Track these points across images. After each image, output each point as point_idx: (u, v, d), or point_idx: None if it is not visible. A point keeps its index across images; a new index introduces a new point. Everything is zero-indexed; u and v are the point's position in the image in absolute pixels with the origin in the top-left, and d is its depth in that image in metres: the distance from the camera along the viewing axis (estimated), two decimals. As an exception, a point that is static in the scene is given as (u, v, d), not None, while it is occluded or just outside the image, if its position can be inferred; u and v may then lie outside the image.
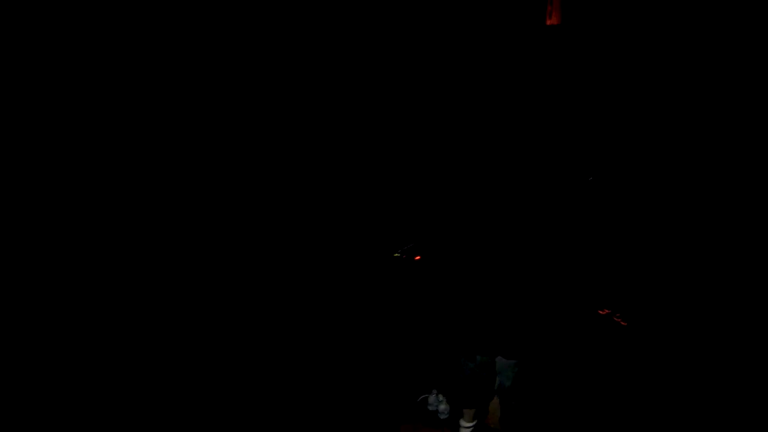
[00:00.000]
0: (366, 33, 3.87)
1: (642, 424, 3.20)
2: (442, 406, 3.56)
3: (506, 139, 3.58)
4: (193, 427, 3.21)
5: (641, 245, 3.40)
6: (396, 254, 3.85)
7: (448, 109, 3.78)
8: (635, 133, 3.24)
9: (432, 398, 3.60)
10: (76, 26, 2.71)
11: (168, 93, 3.23)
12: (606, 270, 3.49)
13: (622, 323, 3.37)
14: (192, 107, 3.41)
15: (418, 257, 3.87)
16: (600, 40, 3.17)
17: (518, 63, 3.34)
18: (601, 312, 3.46)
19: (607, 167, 3.37)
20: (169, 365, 3.42)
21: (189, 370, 3.45)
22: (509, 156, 3.68)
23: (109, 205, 3.13)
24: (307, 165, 4.12)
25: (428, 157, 4.18)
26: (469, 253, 3.95)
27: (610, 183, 3.37)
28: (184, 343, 3.51)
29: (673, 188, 3.23)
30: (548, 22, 3.21)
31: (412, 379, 3.71)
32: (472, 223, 3.99)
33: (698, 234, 3.25)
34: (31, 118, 2.77)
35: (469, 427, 3.34)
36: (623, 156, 3.31)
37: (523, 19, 3.27)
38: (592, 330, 3.54)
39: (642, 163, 3.27)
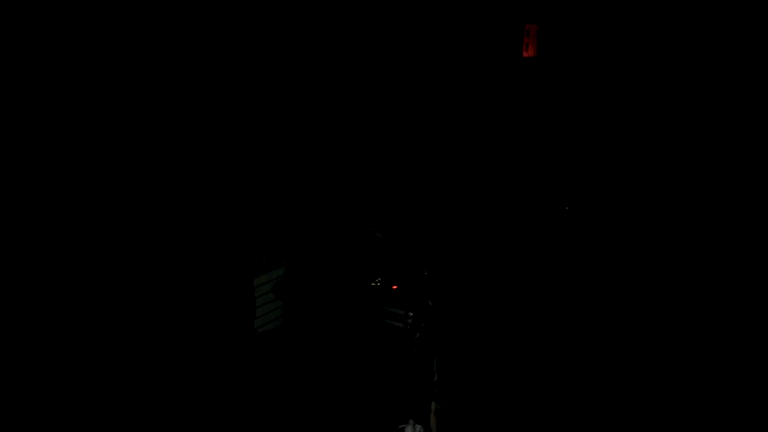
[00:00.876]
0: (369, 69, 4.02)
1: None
2: (420, 437, 3.47)
3: (486, 164, 3.70)
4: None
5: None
6: (374, 282, 3.84)
7: (431, 137, 3.90)
8: (604, 155, 3.38)
9: (409, 429, 3.51)
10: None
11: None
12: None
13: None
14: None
15: (395, 286, 3.87)
16: (572, 71, 3.34)
17: (498, 91, 3.50)
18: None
19: (579, 189, 3.49)
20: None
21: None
22: (487, 179, 3.80)
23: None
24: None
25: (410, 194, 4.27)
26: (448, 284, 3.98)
27: (581, 206, 3.48)
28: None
29: (639, 208, 3.35)
30: (525, 55, 3.38)
31: (390, 408, 3.63)
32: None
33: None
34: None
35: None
36: (594, 177, 3.44)
37: (503, 52, 3.43)
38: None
39: (610, 185, 3.40)
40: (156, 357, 3.36)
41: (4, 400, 2.77)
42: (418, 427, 3.49)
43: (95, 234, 3.08)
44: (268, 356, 4.05)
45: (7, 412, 2.77)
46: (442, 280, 3.94)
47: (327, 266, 4.15)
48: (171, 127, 3.32)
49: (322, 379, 3.86)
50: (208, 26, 3.42)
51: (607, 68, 3.24)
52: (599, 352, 3.44)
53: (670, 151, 3.20)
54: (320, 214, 4.26)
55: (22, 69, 2.65)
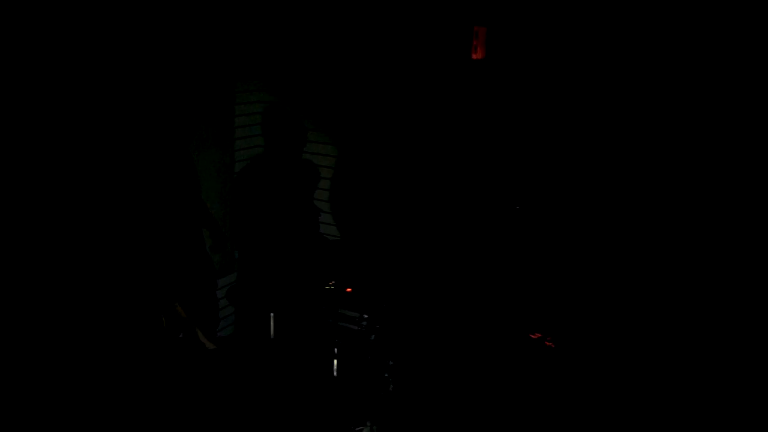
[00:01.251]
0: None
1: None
2: (376, 439, 3.47)
3: (435, 164, 3.75)
4: None
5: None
6: (328, 286, 3.81)
7: (384, 136, 3.92)
8: (551, 155, 3.46)
9: (366, 431, 3.50)
10: None
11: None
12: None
13: (551, 345, 3.48)
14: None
15: (349, 289, 3.86)
16: (521, 73, 3.40)
17: (447, 93, 3.53)
18: (532, 336, 3.55)
19: (528, 189, 3.55)
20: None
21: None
22: (437, 178, 3.85)
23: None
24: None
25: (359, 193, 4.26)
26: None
27: (533, 207, 3.55)
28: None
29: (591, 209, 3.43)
30: (474, 57, 3.42)
31: (346, 410, 3.61)
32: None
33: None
34: None
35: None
36: (541, 178, 3.51)
37: (451, 54, 3.47)
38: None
39: (559, 184, 3.47)
40: (109, 361, 3.25)
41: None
42: (375, 428, 3.49)
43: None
44: (222, 362, 3.98)
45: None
46: (396, 283, 3.95)
47: (280, 270, 4.10)
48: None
49: (276, 383, 3.82)
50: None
51: (556, 70, 3.30)
52: (555, 350, 3.51)
53: (620, 150, 3.28)
54: (269, 217, 4.22)
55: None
